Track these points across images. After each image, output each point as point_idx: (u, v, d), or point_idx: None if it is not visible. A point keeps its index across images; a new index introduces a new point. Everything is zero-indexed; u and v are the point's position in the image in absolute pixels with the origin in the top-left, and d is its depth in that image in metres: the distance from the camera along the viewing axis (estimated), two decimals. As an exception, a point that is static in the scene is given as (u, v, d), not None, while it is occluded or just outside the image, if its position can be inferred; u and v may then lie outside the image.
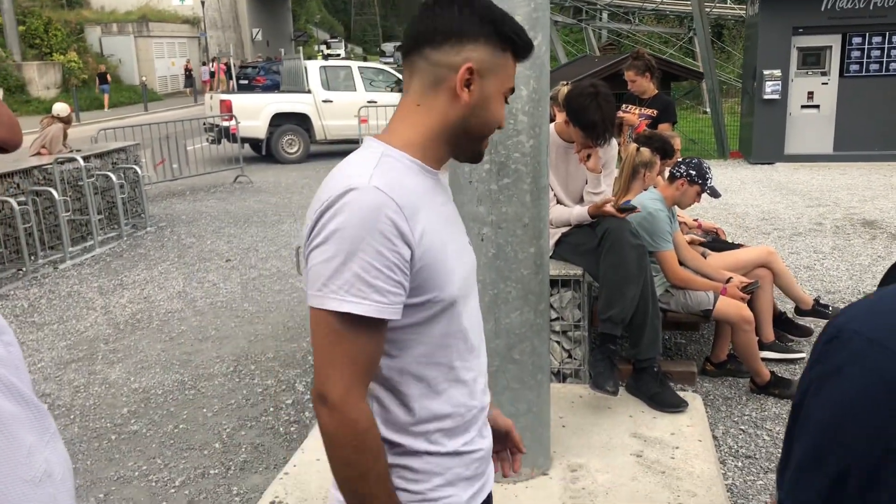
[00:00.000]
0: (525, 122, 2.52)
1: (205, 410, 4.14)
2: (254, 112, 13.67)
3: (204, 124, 13.72)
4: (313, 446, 2.99)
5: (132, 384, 4.51)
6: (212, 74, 33.75)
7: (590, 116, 3.40)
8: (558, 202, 3.77)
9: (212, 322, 5.56)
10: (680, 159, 4.21)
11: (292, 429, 3.90)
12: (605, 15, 24.85)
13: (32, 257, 7.13)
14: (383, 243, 1.13)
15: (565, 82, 4.98)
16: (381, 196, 1.14)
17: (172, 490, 3.37)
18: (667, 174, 4.36)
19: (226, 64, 36.37)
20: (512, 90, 1.28)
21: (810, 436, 0.69)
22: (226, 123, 12.97)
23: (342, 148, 14.58)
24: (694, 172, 4.09)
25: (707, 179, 4.12)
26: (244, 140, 13.25)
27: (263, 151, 14.11)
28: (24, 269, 6.98)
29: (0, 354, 0.90)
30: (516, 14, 2.44)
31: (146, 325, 5.55)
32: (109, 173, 8.23)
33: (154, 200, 10.41)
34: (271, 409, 4.13)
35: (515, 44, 1.25)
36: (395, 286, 1.15)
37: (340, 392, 1.14)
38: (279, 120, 13.96)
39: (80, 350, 5.09)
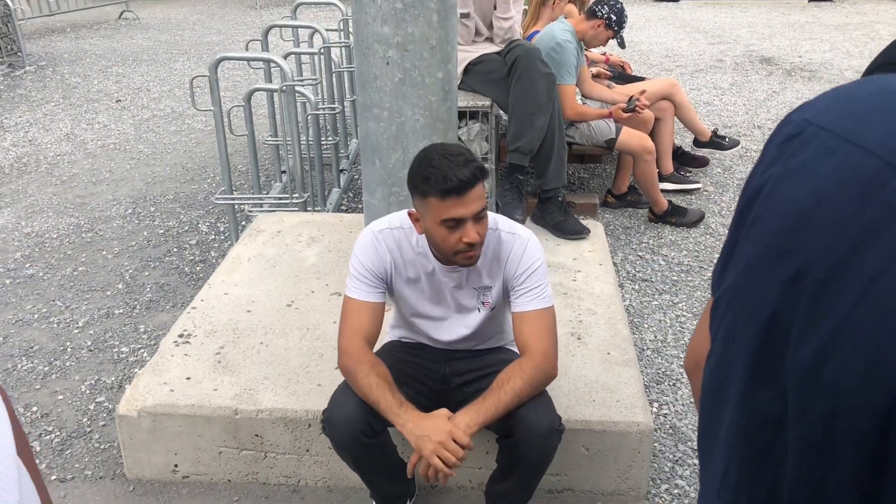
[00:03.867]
0: (431, -66, 2.36)
1: (104, 253, 4.01)
2: (135, -60, 12.48)
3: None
4: (220, 281, 2.96)
5: (24, 229, 4.30)
6: None
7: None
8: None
9: (105, 164, 5.30)
10: None
11: (198, 268, 3.84)
12: None
13: None
14: (360, 260, 1.97)
15: None
16: (371, 236, 1.98)
17: (76, 330, 3.30)
18: (586, 7, 4.26)
19: None
20: (452, 220, 1.78)
21: (764, 236, 0.62)
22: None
23: (236, -18, 13.62)
24: (614, 18, 3.99)
25: (623, 28, 4.06)
26: (126, -28, 12.16)
27: (149, -15, 13.04)
28: None
29: None
30: None
31: (34, 168, 5.24)
32: (-25, 5, 7.47)
33: (31, 38, 9.57)
34: (175, 249, 4.04)
35: (428, 193, 1.77)
36: (363, 284, 1.96)
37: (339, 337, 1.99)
38: (164, -51, 12.83)
39: (-38, 196, 4.78)
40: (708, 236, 4.16)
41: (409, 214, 1.91)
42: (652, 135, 4.36)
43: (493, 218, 1.97)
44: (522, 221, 3.45)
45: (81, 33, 10.08)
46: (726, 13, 10.89)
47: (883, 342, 0.50)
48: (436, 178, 1.75)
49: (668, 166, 4.63)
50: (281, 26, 4.70)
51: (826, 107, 0.62)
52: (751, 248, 0.64)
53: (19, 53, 8.20)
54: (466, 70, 3.66)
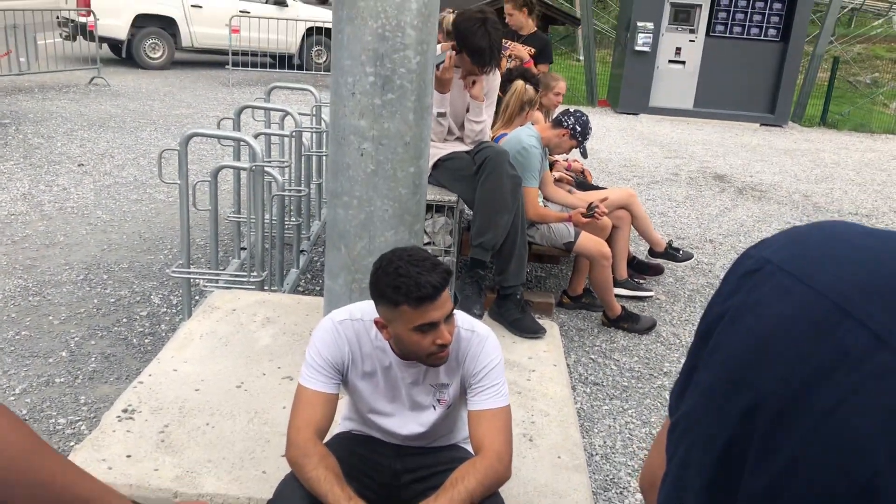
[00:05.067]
0: (413, 36, 2.46)
1: (51, 318, 3.91)
2: (115, 10, 12.66)
3: (58, 18, 12.58)
4: (170, 356, 2.89)
5: (-32, 287, 4.18)
6: None
7: (477, 42, 3.40)
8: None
9: (61, 228, 5.22)
10: (572, 110, 4.27)
11: (146, 341, 3.76)
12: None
13: None
14: (318, 350, 1.94)
15: (451, 10, 4.92)
16: (332, 325, 1.96)
17: (12, 398, 3.18)
18: (552, 115, 4.43)
19: None
20: (426, 325, 1.79)
21: (722, 366, 0.65)
22: (83, 19, 11.96)
23: (210, 58, 13.84)
24: (579, 129, 4.17)
25: (586, 139, 4.23)
26: (103, 39, 12.29)
27: (123, 54, 13.16)
28: None
29: None
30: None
31: (-15, 226, 5.13)
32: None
33: (-4, 95, 9.54)
34: (124, 319, 3.96)
35: (400, 302, 1.77)
36: (319, 374, 1.93)
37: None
38: (143, 21, 13.01)
39: None
40: (659, 344, 4.23)
41: (376, 323, 1.90)
42: (609, 241, 4.47)
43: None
44: (480, 316, 3.48)
45: (49, 95, 10.08)
46: (683, 129, 11.39)
47: (831, 481, 0.53)
48: (407, 286, 1.75)
49: (623, 272, 4.74)
50: (254, 107, 4.77)
51: (783, 246, 0.66)
52: (709, 377, 0.67)
53: (-16, 110, 8.14)
54: (436, 165, 3.75)
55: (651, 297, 4.81)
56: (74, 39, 12.20)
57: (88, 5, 12.04)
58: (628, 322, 4.33)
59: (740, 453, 0.60)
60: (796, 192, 8.06)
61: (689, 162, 9.12)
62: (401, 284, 1.76)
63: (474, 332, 1.99)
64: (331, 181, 2.61)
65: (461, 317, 2.02)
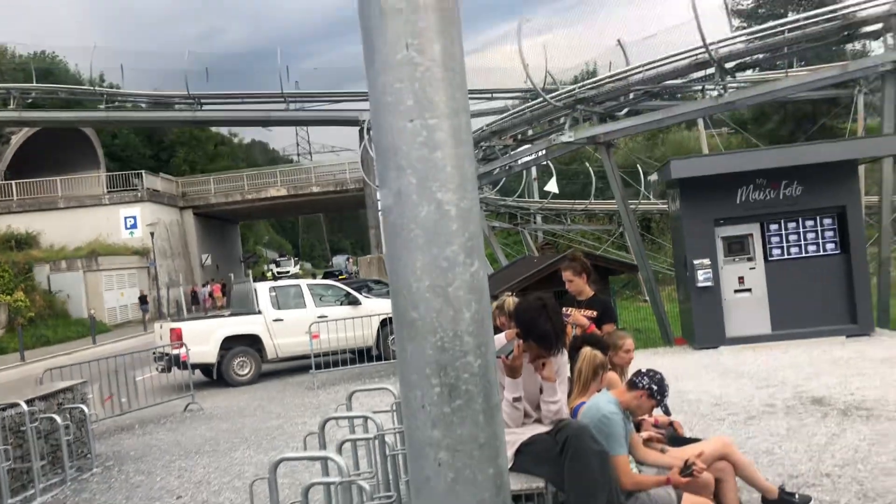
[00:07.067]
0: (471, 342, 2.60)
1: None
2: (203, 337, 13.65)
3: (153, 353, 13.58)
4: None
5: None
6: (210, 295, 37.45)
7: (542, 328, 3.55)
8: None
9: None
10: (644, 370, 4.29)
11: None
12: (538, 218, 26.27)
13: (-33, 513, 6.71)
14: None
15: (510, 293, 5.19)
16: None
17: None
18: (627, 372, 4.45)
19: (222, 283, 39.41)
20: None
21: None
22: (176, 352, 12.87)
23: (294, 365, 14.50)
24: (655, 388, 4.17)
25: (665, 396, 4.22)
26: (195, 366, 13.11)
27: (214, 376, 13.92)
28: (-43, 527, 6.54)
29: None
30: (453, 244, 2.60)
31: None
32: (54, 416, 7.97)
33: (101, 437, 10.02)
34: None
35: None
36: None
37: None
38: (230, 343, 13.93)
39: None
40: None
41: None
42: (715, 497, 4.24)
43: None
44: None
45: (149, 429, 10.56)
46: (767, 355, 11.12)
47: None
48: None
49: (740, 528, 4.43)
50: (336, 418, 4.93)
51: None
52: None
53: (88, 456, 8.55)
54: (518, 451, 3.74)
55: (776, 549, 4.43)
56: (170, 371, 13.05)
57: (181, 338, 13.02)
58: (758, 585, 3.96)
59: None
60: (906, 403, 7.60)
61: (781, 389, 8.80)
62: None
63: None
64: (414, 498, 2.62)
65: None
